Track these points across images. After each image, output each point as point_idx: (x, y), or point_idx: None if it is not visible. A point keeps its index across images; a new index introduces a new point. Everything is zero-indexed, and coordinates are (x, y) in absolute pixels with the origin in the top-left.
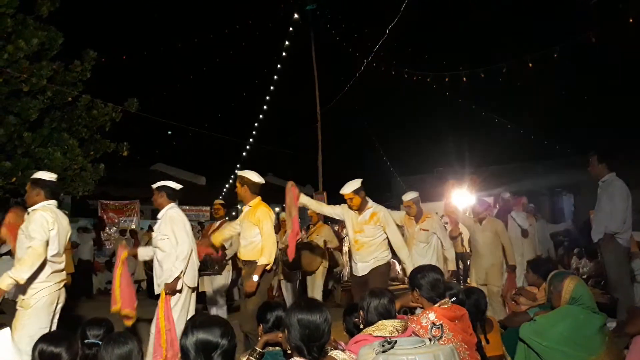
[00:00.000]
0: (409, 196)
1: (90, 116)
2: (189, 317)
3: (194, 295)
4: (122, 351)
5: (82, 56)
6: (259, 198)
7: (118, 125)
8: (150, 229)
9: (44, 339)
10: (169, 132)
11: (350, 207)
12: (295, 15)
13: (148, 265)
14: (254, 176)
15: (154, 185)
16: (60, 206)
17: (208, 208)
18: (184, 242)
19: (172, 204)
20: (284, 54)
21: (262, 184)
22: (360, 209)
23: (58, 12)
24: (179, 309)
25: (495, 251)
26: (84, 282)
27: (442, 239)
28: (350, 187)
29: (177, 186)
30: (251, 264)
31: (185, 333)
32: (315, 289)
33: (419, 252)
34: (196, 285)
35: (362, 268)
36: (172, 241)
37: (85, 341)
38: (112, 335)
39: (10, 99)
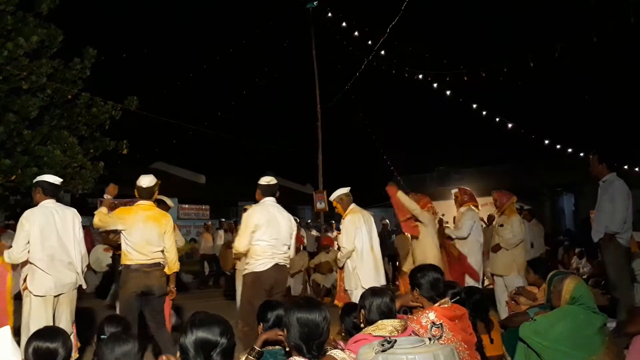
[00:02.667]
0: (333, 195)
1: (90, 114)
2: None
3: (49, 303)
4: (122, 349)
5: (81, 54)
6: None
7: (118, 123)
8: None
9: (37, 335)
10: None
11: None
12: (296, 13)
13: None
14: (142, 181)
15: (34, 180)
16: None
17: (208, 206)
18: (18, 245)
19: (46, 201)
20: (284, 52)
21: (146, 188)
22: None
23: (58, 10)
24: (26, 318)
25: (427, 249)
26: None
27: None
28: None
29: (56, 180)
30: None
31: (184, 332)
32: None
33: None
34: (52, 294)
35: None
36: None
37: (102, 336)
38: (113, 333)
39: (10, 96)
